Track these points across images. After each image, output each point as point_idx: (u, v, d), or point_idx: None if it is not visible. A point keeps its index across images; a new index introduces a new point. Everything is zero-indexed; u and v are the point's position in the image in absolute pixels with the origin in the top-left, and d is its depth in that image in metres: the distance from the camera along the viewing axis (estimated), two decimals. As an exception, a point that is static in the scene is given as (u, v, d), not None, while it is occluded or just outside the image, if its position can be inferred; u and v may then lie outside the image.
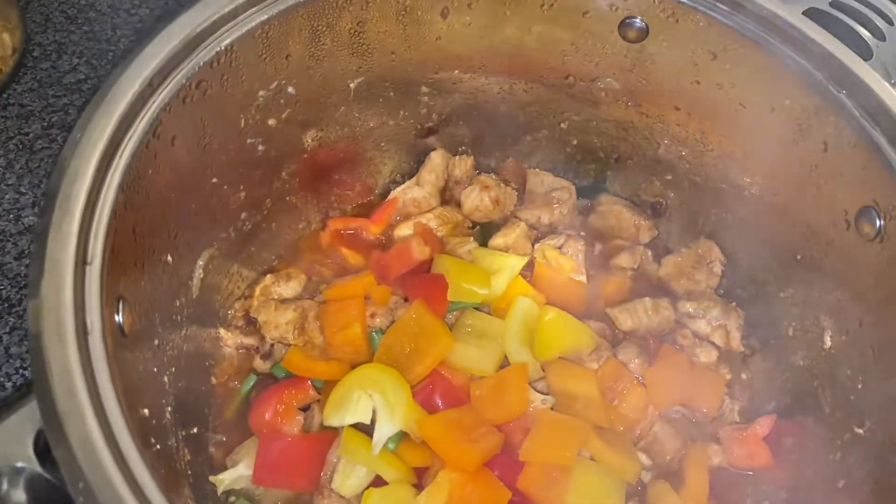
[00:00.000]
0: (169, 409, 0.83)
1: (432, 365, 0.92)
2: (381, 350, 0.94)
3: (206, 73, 0.81)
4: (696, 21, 0.91)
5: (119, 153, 0.72)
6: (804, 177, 0.90)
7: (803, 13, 0.89)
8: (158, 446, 0.74)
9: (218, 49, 0.81)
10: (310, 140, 1.02)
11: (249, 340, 1.01)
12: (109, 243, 0.69)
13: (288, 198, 1.06)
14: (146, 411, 0.73)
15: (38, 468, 0.61)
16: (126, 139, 0.73)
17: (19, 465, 0.61)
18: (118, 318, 0.70)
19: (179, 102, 0.79)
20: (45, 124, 1.19)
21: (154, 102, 0.76)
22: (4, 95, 1.20)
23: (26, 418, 0.63)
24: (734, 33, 0.89)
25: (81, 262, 0.66)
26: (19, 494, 0.62)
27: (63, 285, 0.64)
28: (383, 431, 0.88)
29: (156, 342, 0.82)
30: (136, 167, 0.74)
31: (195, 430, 0.92)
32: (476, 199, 1.11)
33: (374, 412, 0.88)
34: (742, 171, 0.99)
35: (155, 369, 0.81)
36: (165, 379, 0.84)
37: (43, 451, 0.62)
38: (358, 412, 0.87)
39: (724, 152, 0.99)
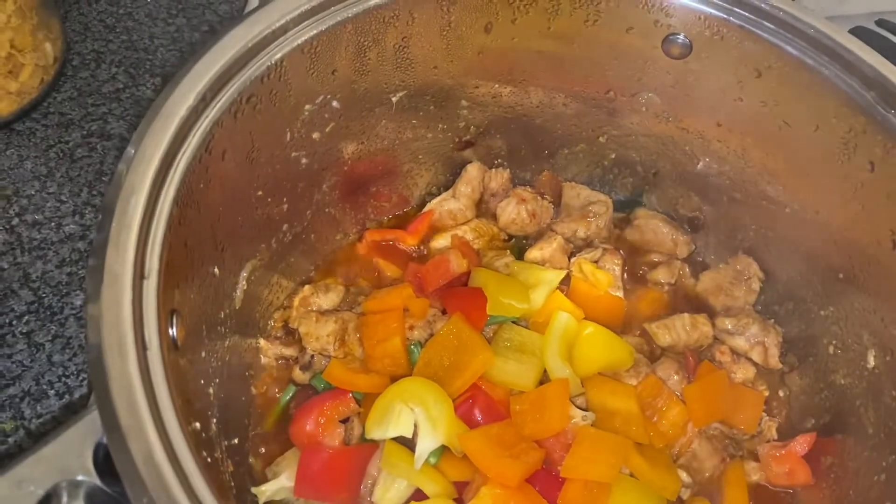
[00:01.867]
0: (214, 420, 0.83)
1: (471, 379, 0.93)
2: (420, 363, 0.94)
3: (257, 87, 0.82)
4: (741, 38, 0.91)
5: (173, 168, 0.73)
6: (848, 195, 0.90)
7: (850, 31, 0.89)
8: (209, 459, 0.75)
9: (269, 64, 0.82)
10: (350, 152, 1.03)
11: (289, 351, 1.01)
12: (165, 257, 0.70)
13: (327, 209, 1.06)
14: (197, 424, 0.73)
15: (97, 481, 0.62)
16: (180, 154, 0.74)
17: (79, 478, 0.62)
18: (172, 331, 0.71)
19: (231, 117, 0.80)
20: (85, 133, 1.20)
21: (207, 117, 0.77)
22: (45, 104, 1.21)
23: (84, 431, 0.64)
24: (780, 51, 0.89)
25: (139, 276, 0.67)
26: (79, 508, 0.63)
27: (122, 299, 0.64)
28: (425, 445, 0.88)
29: (203, 354, 0.82)
30: (189, 182, 0.74)
31: (236, 441, 0.92)
32: (512, 212, 1.12)
33: (415, 426, 0.88)
34: (784, 188, 0.98)
35: (202, 381, 0.81)
36: (211, 390, 0.84)
37: (101, 463, 0.63)
38: (400, 426, 0.87)
39: (766, 169, 0.99)
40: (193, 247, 0.78)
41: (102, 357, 0.61)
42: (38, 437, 0.95)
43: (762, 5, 0.89)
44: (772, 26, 0.89)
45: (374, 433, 0.88)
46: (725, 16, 0.91)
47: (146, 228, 0.69)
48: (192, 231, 0.77)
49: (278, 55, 0.83)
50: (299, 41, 0.84)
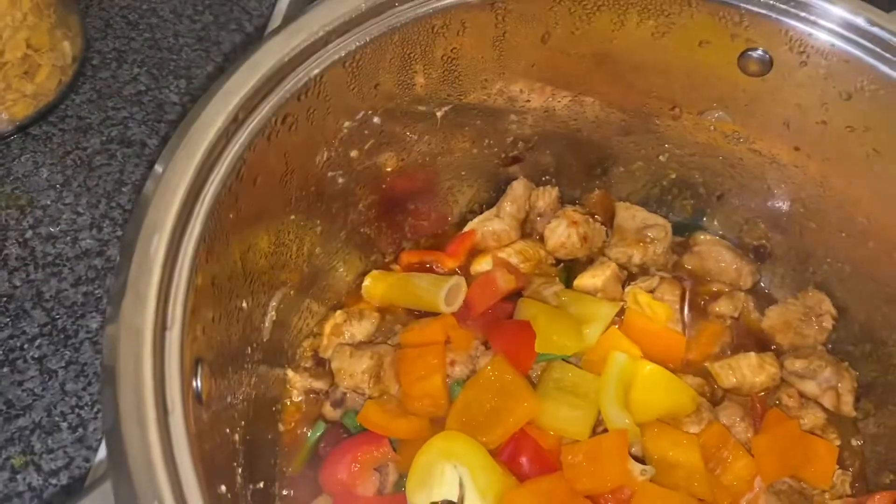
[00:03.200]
0: (240, 470, 0.76)
1: (514, 429, 0.84)
2: (459, 406, 0.86)
3: (293, 106, 0.74)
4: (829, 56, 0.81)
5: (200, 200, 0.65)
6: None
7: (957, 53, 0.79)
8: (235, 523, 0.68)
9: (306, 80, 0.74)
10: (390, 170, 0.95)
11: (319, 384, 0.94)
12: (190, 301, 0.62)
13: (362, 230, 0.98)
14: (223, 487, 0.66)
15: (110, 566, 0.54)
16: (208, 184, 0.66)
17: (91, 561, 0.55)
18: (196, 383, 0.63)
19: (264, 139, 0.72)
20: (104, 139, 1.12)
21: (238, 141, 0.69)
22: (62, 107, 1.14)
23: (108, 496, 0.56)
24: (874, 72, 0.79)
25: (161, 327, 0.59)
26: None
27: (142, 359, 0.57)
28: None
29: (228, 399, 0.75)
30: (217, 213, 0.67)
31: (262, 485, 0.85)
32: (562, 235, 1.03)
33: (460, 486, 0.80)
34: (867, 220, 0.89)
35: (227, 430, 0.74)
36: (236, 437, 0.77)
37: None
38: (444, 487, 0.80)
39: (848, 199, 0.90)
40: (221, 284, 0.70)
41: (119, 427, 0.53)
42: (48, 475, 0.88)
43: (855, 20, 0.79)
44: (867, 43, 0.79)
45: (418, 498, 0.80)
46: (812, 30, 0.81)
47: (169, 271, 0.61)
48: (220, 267, 0.70)
49: (317, 70, 0.75)
50: (341, 54, 0.76)
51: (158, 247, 0.61)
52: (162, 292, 0.60)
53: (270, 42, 0.72)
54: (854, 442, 0.95)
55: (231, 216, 0.69)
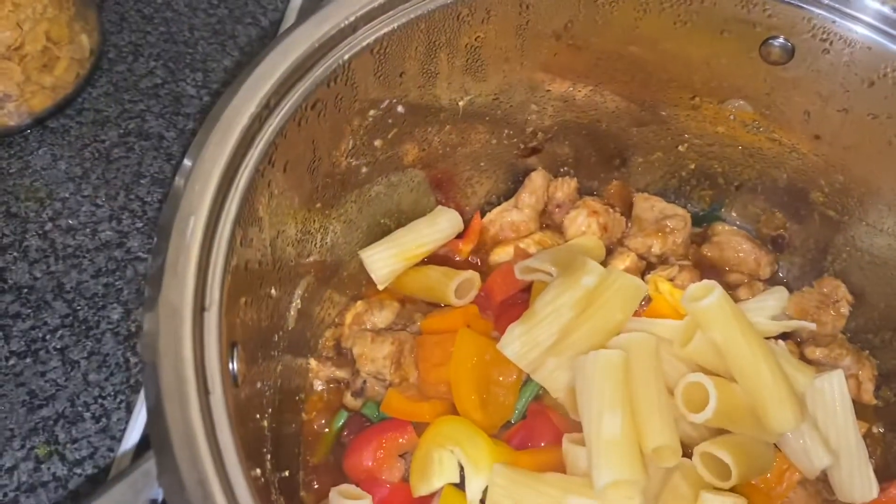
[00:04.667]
0: (269, 456, 0.76)
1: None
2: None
3: (322, 92, 0.74)
4: (852, 43, 0.82)
5: (235, 183, 0.66)
6: (969, 220, 0.81)
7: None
8: (269, 508, 0.68)
9: (336, 66, 0.74)
10: (411, 160, 0.95)
11: (341, 373, 0.94)
12: (226, 284, 0.62)
13: (382, 220, 0.99)
14: (258, 470, 0.66)
15: (152, 545, 0.55)
16: (242, 167, 0.66)
17: (132, 540, 0.55)
18: (233, 366, 0.63)
19: (295, 125, 0.72)
20: (122, 131, 1.12)
21: (270, 126, 0.69)
22: (80, 100, 1.14)
23: (134, 486, 0.56)
24: (900, 59, 0.80)
25: (199, 308, 0.59)
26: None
27: (182, 338, 0.57)
28: (474, 487, 0.80)
29: (258, 385, 0.75)
30: (251, 198, 0.67)
31: (287, 474, 0.85)
32: (582, 225, 1.03)
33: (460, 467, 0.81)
34: (889, 210, 0.90)
35: (258, 416, 0.74)
36: (265, 423, 0.77)
37: (156, 523, 0.56)
38: (444, 474, 0.80)
39: (870, 189, 0.90)
40: (253, 269, 0.70)
41: (162, 406, 0.54)
42: (72, 465, 0.88)
43: (881, 8, 0.80)
44: (891, 30, 0.80)
45: (421, 490, 0.81)
46: (836, 17, 0.82)
47: (207, 252, 0.62)
48: (253, 252, 0.70)
49: (346, 56, 0.75)
50: (369, 41, 0.76)
51: (196, 229, 0.61)
52: (200, 273, 0.60)
53: (300, 28, 0.73)
54: (875, 430, 0.95)
55: (263, 201, 0.70)
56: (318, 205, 0.84)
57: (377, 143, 0.87)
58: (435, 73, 0.86)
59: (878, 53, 0.81)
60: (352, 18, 0.75)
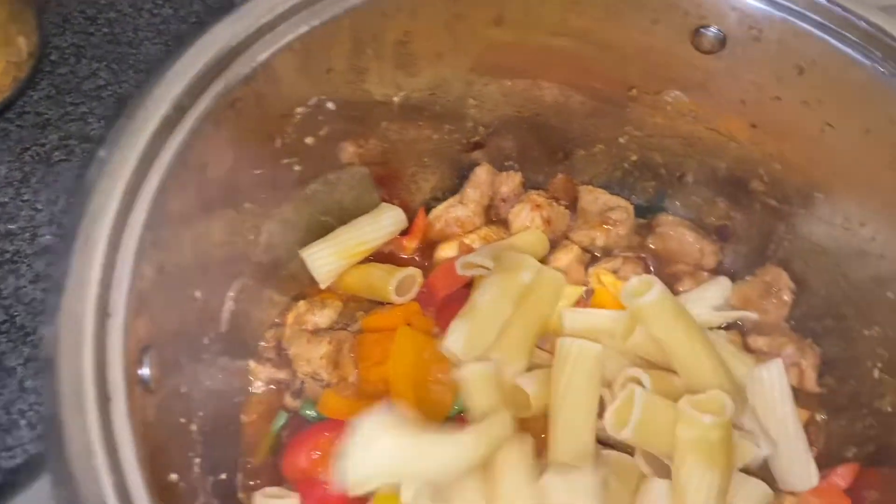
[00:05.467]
0: (197, 460, 0.75)
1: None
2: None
3: (241, 90, 0.73)
4: (782, 31, 0.81)
5: (144, 186, 0.65)
6: (901, 206, 0.81)
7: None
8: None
9: (254, 64, 0.73)
10: (348, 157, 0.94)
11: (282, 374, 0.93)
12: (135, 289, 0.61)
13: (323, 218, 0.98)
14: (175, 476, 0.65)
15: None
16: (151, 171, 0.65)
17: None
18: (144, 371, 0.63)
19: (211, 125, 0.71)
20: (63, 134, 1.11)
21: (184, 127, 0.68)
22: (20, 103, 1.12)
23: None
24: (827, 46, 0.79)
25: (103, 314, 0.58)
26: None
27: (81, 345, 0.56)
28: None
29: (184, 388, 0.74)
30: (162, 200, 0.66)
31: (223, 476, 0.84)
32: (526, 219, 1.03)
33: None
34: (826, 196, 0.89)
35: (183, 420, 0.73)
36: (194, 427, 0.76)
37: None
38: None
39: (807, 176, 0.90)
40: (170, 272, 0.69)
41: (58, 414, 0.53)
42: (7, 474, 0.87)
43: (806, -6, 0.79)
44: (817, 18, 0.79)
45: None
46: (764, 5, 0.81)
47: (112, 258, 0.61)
48: (169, 255, 0.69)
49: (266, 54, 0.74)
50: (290, 38, 0.75)
51: (100, 233, 0.60)
52: (104, 278, 0.59)
53: (215, 27, 0.72)
54: (819, 417, 0.95)
55: (179, 203, 0.69)
56: (248, 205, 0.83)
57: (308, 140, 0.87)
58: (365, 70, 0.85)
59: (807, 41, 0.80)
60: (270, 16, 0.74)
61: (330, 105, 0.85)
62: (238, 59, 0.72)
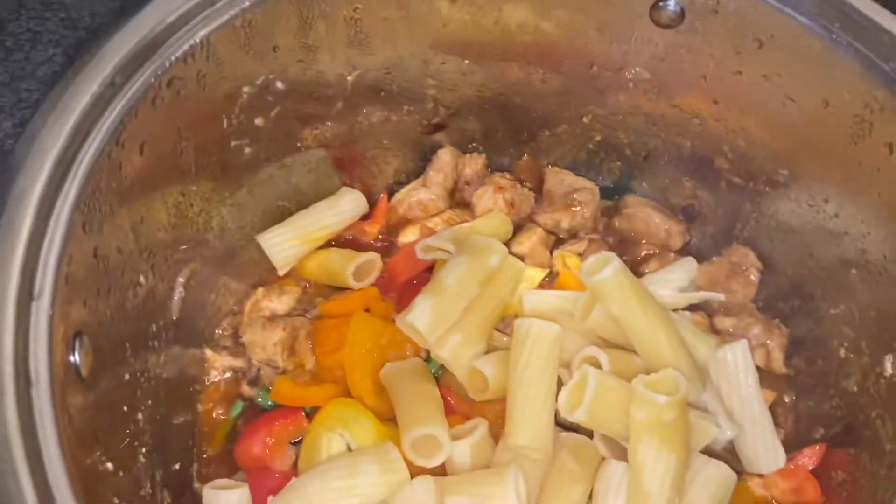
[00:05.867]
0: (144, 450, 0.73)
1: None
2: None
3: (180, 69, 0.71)
4: (738, 4, 0.79)
5: (75, 166, 0.62)
6: (863, 181, 0.79)
7: (870, -3, 0.77)
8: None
9: (192, 42, 0.71)
10: (303, 139, 0.92)
11: (238, 363, 0.91)
12: (63, 271, 0.59)
13: (280, 203, 0.96)
14: (111, 465, 0.63)
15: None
16: (83, 151, 0.63)
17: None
18: (74, 358, 0.60)
19: (148, 104, 0.69)
20: (17, 121, 1.09)
21: (117, 105, 0.66)
22: (-26, 90, 1.10)
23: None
24: (785, 18, 0.77)
25: (27, 296, 0.56)
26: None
27: (3, 325, 0.54)
28: None
29: (126, 377, 0.72)
30: (95, 181, 0.64)
31: (177, 467, 0.83)
32: (489, 202, 1.01)
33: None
34: (790, 172, 0.88)
35: (125, 408, 0.71)
36: (140, 416, 0.74)
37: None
38: None
39: (771, 152, 0.88)
40: (107, 255, 0.67)
41: (-29, 400, 0.51)
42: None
43: (763, -36, 0.77)
44: (774, -12, 0.77)
45: None
46: (721, -23, 0.79)
47: (39, 238, 0.59)
48: (104, 238, 0.67)
49: (205, 31, 0.72)
50: (230, 14, 0.73)
51: (26, 213, 0.58)
52: (29, 259, 0.57)
53: (150, 5, 0.69)
54: (787, 398, 0.94)
55: (113, 184, 0.67)
56: (195, 188, 0.81)
57: (258, 121, 0.85)
58: (315, 47, 0.83)
59: (765, 13, 0.78)
60: (208, -8, 0.71)
61: (280, 85, 0.83)
62: (174, 36, 0.70)
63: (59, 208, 0.60)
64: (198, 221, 0.83)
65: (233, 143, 0.83)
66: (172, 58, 0.70)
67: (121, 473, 0.66)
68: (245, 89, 0.80)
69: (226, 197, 0.87)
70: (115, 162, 0.66)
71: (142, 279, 0.75)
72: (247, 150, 0.85)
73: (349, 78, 0.89)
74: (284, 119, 0.87)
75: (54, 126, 0.62)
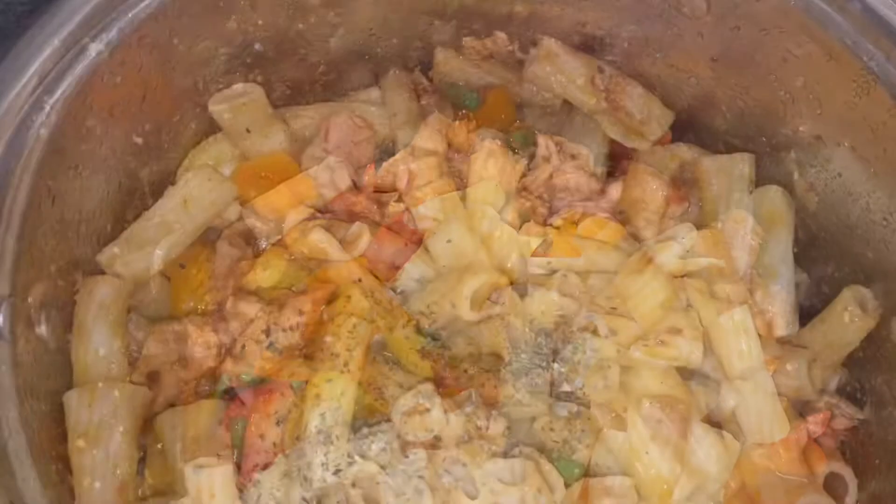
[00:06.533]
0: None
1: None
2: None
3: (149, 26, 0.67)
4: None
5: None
6: (868, 135, 0.76)
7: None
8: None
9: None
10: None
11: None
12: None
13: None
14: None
15: None
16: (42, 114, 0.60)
17: None
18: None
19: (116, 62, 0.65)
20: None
21: (81, 63, 0.62)
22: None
23: None
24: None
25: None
26: None
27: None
28: None
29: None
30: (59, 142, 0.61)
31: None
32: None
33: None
34: (793, 134, 0.85)
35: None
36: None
37: None
38: None
39: (768, 112, 0.85)
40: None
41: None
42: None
43: None
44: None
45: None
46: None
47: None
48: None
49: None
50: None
51: None
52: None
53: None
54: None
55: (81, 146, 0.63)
56: (173, 155, 0.78)
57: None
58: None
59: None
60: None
61: (258, 46, 0.80)
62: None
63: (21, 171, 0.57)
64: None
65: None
66: (141, 15, 0.66)
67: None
68: (222, 50, 0.77)
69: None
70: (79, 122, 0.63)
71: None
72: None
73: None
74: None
75: (14, 82, 0.59)
